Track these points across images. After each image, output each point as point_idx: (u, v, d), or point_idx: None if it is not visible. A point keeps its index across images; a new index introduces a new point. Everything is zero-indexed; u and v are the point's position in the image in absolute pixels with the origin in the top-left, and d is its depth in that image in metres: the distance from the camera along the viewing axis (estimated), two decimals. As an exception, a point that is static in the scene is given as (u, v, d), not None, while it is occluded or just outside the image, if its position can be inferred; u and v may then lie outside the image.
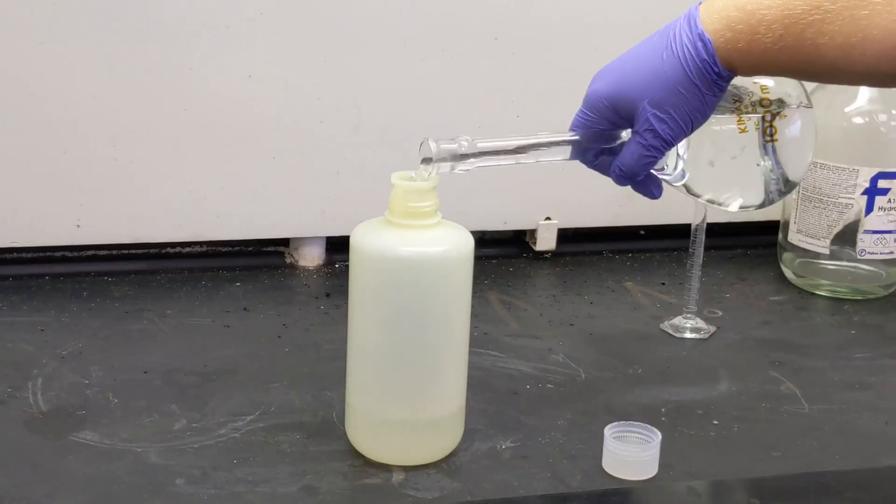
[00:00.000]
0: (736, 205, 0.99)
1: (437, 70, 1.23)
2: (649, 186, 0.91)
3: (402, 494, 0.84)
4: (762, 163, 0.97)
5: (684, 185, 0.97)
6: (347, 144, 1.23)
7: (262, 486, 0.84)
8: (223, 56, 1.18)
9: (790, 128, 0.97)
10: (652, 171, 0.90)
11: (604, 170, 0.90)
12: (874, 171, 1.19)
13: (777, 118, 0.96)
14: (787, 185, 0.99)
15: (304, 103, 1.21)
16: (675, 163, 0.94)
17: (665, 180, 0.94)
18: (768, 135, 0.96)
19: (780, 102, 0.96)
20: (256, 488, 0.84)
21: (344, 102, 1.22)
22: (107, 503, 0.82)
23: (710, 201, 0.99)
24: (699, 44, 0.82)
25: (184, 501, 0.82)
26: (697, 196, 0.99)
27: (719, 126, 0.95)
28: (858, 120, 1.20)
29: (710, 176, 0.97)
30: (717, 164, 0.96)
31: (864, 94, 1.20)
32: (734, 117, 0.95)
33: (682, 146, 0.94)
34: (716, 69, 0.82)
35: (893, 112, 1.20)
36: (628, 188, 0.91)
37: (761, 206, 0.99)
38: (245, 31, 1.17)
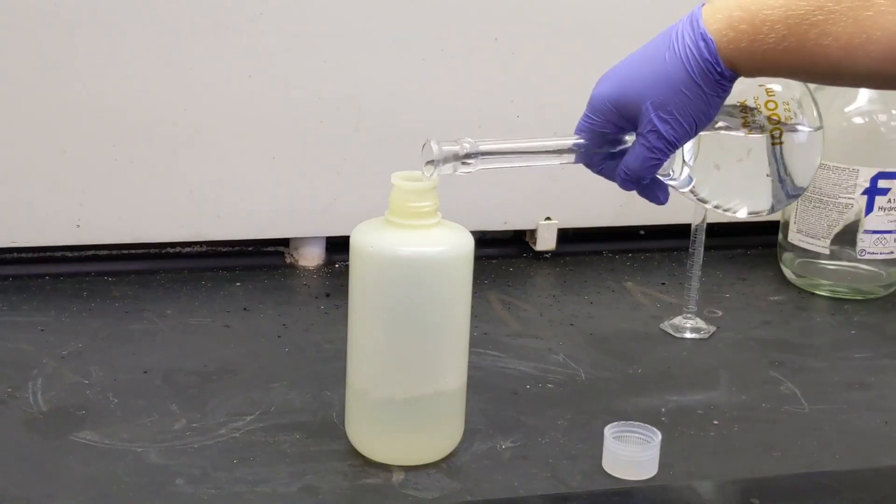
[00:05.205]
0: (743, 210, 0.98)
1: (437, 70, 1.23)
2: (655, 191, 0.90)
3: (402, 494, 0.84)
4: (769, 166, 0.96)
5: (691, 191, 0.97)
6: (347, 144, 1.23)
7: (262, 486, 0.84)
8: (223, 56, 1.18)
9: (797, 132, 0.97)
10: (658, 175, 0.89)
11: (609, 174, 0.90)
12: (874, 171, 1.19)
13: (783, 121, 0.95)
14: (795, 190, 0.99)
15: (304, 103, 1.21)
16: (681, 168, 0.94)
17: (671, 186, 0.93)
18: (775, 137, 0.95)
19: (786, 114, 0.96)
20: (256, 488, 0.84)
21: (344, 102, 1.22)
22: (107, 503, 0.82)
23: (717, 207, 0.99)
24: (701, 43, 0.82)
25: (184, 501, 0.82)
26: (704, 202, 0.98)
27: (725, 129, 0.95)
28: (858, 120, 1.20)
29: (716, 180, 0.96)
30: (723, 167, 0.96)
31: (864, 94, 1.20)
32: (739, 120, 0.95)
33: (687, 151, 0.93)
34: (718, 69, 0.82)
35: (893, 112, 1.20)
36: (634, 192, 0.91)
37: (770, 211, 0.99)
38: (245, 31, 1.17)
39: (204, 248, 1.28)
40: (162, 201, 1.21)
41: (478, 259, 0.87)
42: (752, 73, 0.83)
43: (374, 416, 0.86)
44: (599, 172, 0.91)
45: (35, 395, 0.96)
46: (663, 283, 1.28)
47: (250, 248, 1.29)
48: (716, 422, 0.97)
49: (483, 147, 0.86)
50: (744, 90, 0.93)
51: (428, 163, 0.84)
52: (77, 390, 0.97)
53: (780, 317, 1.20)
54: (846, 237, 1.22)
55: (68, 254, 1.23)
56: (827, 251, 1.23)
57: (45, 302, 1.15)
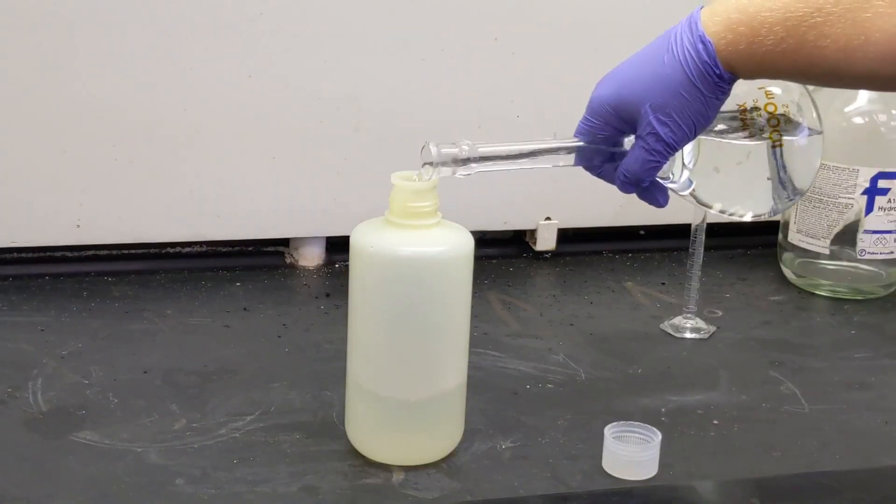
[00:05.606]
0: (745, 213, 0.98)
1: (437, 70, 1.23)
2: (655, 194, 0.90)
3: (402, 494, 0.84)
4: (769, 169, 0.96)
5: (691, 194, 0.97)
6: (347, 144, 1.23)
7: (262, 486, 0.84)
8: (223, 56, 1.18)
9: (797, 134, 0.97)
10: (657, 178, 0.89)
11: (609, 177, 0.90)
12: (874, 171, 1.19)
13: (783, 124, 0.95)
14: (795, 192, 0.99)
15: (304, 103, 1.21)
16: (681, 171, 0.94)
17: (671, 189, 0.93)
18: (775, 140, 0.95)
19: (786, 116, 0.96)
20: (256, 488, 0.84)
21: (344, 102, 1.22)
22: (107, 503, 0.82)
23: (718, 210, 0.99)
24: (700, 46, 0.82)
25: (184, 501, 0.82)
26: (705, 205, 0.98)
27: (724, 132, 0.94)
28: (858, 120, 1.20)
29: (717, 183, 0.96)
30: (723, 170, 0.96)
31: (864, 94, 1.20)
32: (739, 123, 0.94)
33: (687, 154, 0.93)
34: (717, 71, 0.82)
35: (893, 112, 1.20)
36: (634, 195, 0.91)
37: (770, 214, 0.99)
38: (245, 31, 1.17)
39: (204, 248, 1.28)
40: (162, 201, 1.21)
41: (478, 259, 0.87)
42: (750, 76, 0.83)
43: (374, 416, 0.86)
44: (599, 175, 0.91)
45: (35, 395, 0.96)
46: (663, 283, 1.28)
47: (250, 248, 1.29)
48: (716, 422, 0.97)
49: (482, 150, 0.86)
50: (743, 93, 0.93)
51: (426, 164, 0.84)
52: (77, 390, 0.97)
53: (780, 317, 1.20)
54: (846, 237, 1.22)
55: (68, 254, 1.23)
56: (827, 251, 1.23)
57: (45, 302, 1.15)
